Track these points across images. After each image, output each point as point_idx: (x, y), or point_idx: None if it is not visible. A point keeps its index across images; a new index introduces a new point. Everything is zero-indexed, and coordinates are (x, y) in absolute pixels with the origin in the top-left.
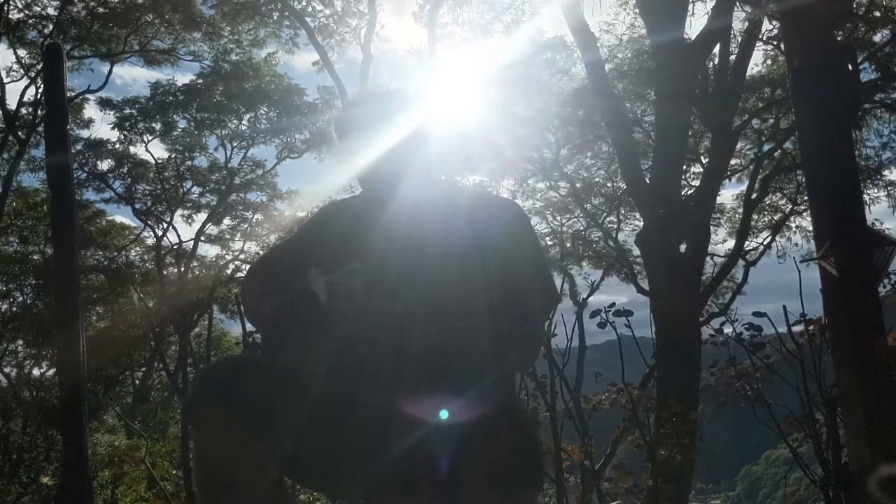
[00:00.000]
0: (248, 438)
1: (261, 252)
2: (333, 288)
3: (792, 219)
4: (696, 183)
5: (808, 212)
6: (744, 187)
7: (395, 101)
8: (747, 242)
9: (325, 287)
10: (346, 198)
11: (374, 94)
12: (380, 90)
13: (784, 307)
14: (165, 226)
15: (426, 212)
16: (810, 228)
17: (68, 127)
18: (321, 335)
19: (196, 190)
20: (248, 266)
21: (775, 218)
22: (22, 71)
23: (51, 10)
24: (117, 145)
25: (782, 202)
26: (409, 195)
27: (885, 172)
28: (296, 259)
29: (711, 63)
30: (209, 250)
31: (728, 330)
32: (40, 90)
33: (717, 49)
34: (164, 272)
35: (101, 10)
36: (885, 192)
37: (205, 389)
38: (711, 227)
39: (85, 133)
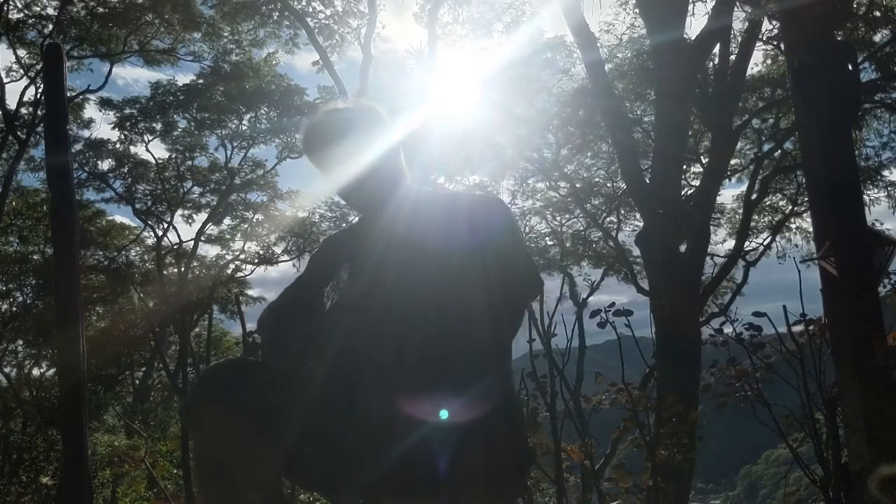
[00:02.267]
0: (249, 438)
1: (261, 252)
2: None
3: (792, 219)
4: (696, 183)
5: (808, 212)
6: (744, 187)
7: (350, 115)
8: (747, 243)
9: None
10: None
11: (330, 111)
12: (338, 106)
13: (784, 307)
14: (165, 226)
15: (424, 213)
16: (810, 228)
17: (68, 127)
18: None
19: (196, 190)
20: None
21: (775, 218)
22: (22, 71)
23: (51, 10)
24: (117, 145)
25: (782, 202)
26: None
27: (885, 172)
28: (307, 282)
29: (711, 63)
30: (209, 250)
31: (728, 330)
32: (40, 90)
33: (717, 49)
34: (164, 272)
35: (100, 10)
36: (885, 192)
37: (206, 389)
38: (711, 227)
39: (85, 133)
